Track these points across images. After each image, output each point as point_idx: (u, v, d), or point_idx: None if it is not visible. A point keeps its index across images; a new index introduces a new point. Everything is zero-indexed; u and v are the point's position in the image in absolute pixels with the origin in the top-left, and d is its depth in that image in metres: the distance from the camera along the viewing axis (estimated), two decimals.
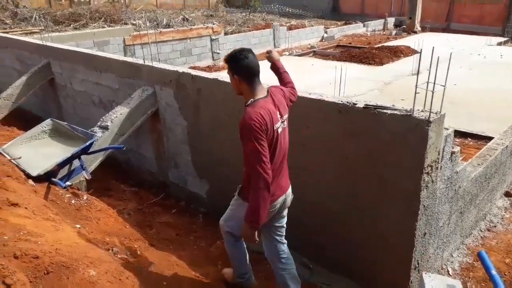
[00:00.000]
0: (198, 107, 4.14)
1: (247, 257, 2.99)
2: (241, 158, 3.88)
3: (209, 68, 11.68)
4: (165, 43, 10.91)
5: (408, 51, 12.29)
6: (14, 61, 7.56)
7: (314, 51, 13.65)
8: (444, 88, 2.69)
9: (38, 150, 4.01)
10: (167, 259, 3.19)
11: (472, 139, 5.93)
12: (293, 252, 3.60)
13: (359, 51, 12.19)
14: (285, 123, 2.57)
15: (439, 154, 2.86)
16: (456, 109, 6.80)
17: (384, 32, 18.65)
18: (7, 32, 9.45)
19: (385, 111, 2.82)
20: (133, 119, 4.58)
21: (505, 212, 4.56)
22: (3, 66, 8.08)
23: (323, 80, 9.16)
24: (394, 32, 18.07)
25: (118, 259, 2.72)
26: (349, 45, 14.79)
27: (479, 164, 3.87)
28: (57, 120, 4.39)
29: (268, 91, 2.49)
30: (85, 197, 3.69)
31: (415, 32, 17.53)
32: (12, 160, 3.74)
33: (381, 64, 11.11)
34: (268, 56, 3.01)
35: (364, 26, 19.00)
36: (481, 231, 4.19)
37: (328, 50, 13.88)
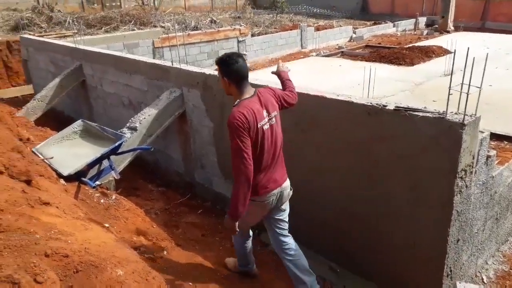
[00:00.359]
0: (224, 109, 4.15)
1: (251, 252, 3.19)
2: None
3: None
4: (193, 45, 11.02)
5: (440, 51, 11.92)
6: (48, 64, 7.84)
7: (342, 52, 13.46)
8: (480, 90, 2.57)
9: (69, 150, 4.12)
10: (193, 260, 3.21)
11: (508, 142, 5.67)
12: (319, 257, 3.57)
13: (389, 51, 11.92)
14: (274, 119, 2.68)
15: (473, 158, 2.74)
16: (491, 110, 6.53)
17: (415, 32, 18.17)
18: (42, 36, 9.81)
19: (416, 113, 2.72)
20: (161, 120, 4.64)
21: None
22: (38, 68, 8.39)
23: (351, 81, 9.02)
24: (425, 32, 17.58)
25: (145, 259, 2.75)
26: (379, 45, 14.50)
27: None
28: (87, 121, 4.50)
29: (255, 91, 2.65)
30: (113, 197, 3.76)
31: (448, 32, 17.00)
32: (45, 160, 3.86)
33: (412, 64, 10.83)
34: (277, 67, 3.23)
35: (394, 26, 18.58)
36: None
37: (357, 51, 13.65)
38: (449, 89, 2.59)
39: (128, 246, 2.70)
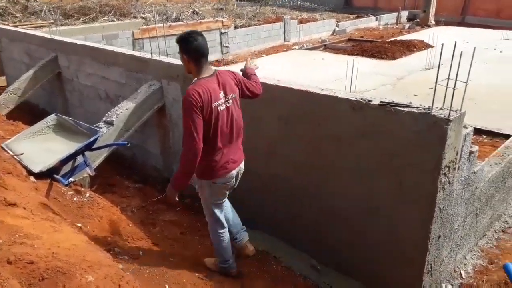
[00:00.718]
0: None
1: (230, 246, 3.15)
2: (249, 153, 3.78)
3: (218, 62, 11.56)
4: (174, 37, 10.61)
5: (421, 45, 12.01)
6: (23, 55, 7.52)
7: (325, 45, 13.42)
8: (466, 85, 2.52)
9: (42, 146, 3.94)
10: (170, 260, 3.10)
11: (487, 136, 5.72)
12: (301, 254, 3.51)
13: (371, 45, 11.95)
14: (231, 101, 2.74)
15: (457, 154, 2.70)
16: (470, 105, 6.58)
17: (397, 26, 18.28)
18: (17, 26, 9.42)
19: (402, 108, 2.66)
20: (139, 114, 4.48)
21: None
22: (12, 59, 8.06)
23: (334, 75, 8.98)
24: (407, 26, 17.70)
25: (119, 260, 2.63)
26: (361, 39, 14.52)
27: (496, 164, 3.70)
28: (61, 115, 4.31)
29: (214, 72, 2.70)
30: (87, 194, 3.61)
31: (429, 26, 17.15)
32: (15, 156, 3.68)
33: (394, 58, 10.87)
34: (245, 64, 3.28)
35: (376, 19, 18.65)
36: (496, 232, 4.02)
37: (340, 44, 13.64)
38: (436, 84, 2.53)
39: (102, 248, 2.58)
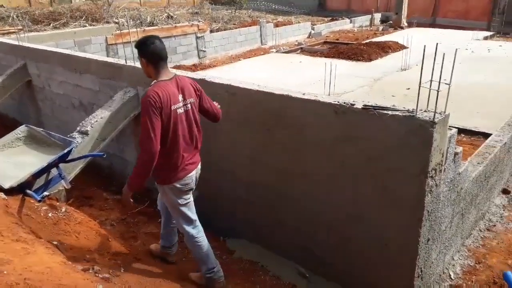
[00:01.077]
0: None
1: (211, 252, 3.06)
2: (231, 162, 3.67)
3: (194, 67, 11.40)
4: None
5: (396, 47, 12.19)
6: None
7: (301, 48, 13.47)
8: (449, 86, 2.51)
9: (12, 160, 3.72)
10: (153, 275, 2.96)
11: (465, 135, 5.81)
12: (288, 261, 3.43)
13: (347, 47, 12.05)
14: (190, 106, 2.78)
15: (443, 156, 2.68)
16: (448, 105, 6.68)
17: (371, 28, 18.56)
18: None
19: (385, 111, 2.62)
20: (115, 123, 4.32)
21: (503, 210, 4.43)
22: None
23: (312, 77, 8.99)
24: (381, 28, 18.00)
25: (99, 280, 2.48)
26: (337, 41, 14.65)
27: (479, 163, 3.73)
28: (32, 126, 4.09)
29: (174, 76, 2.75)
30: (63, 209, 3.43)
31: (402, 28, 17.48)
32: None
33: (370, 60, 10.99)
34: None
35: (351, 22, 18.88)
36: (481, 231, 4.06)
37: (316, 47, 13.71)
38: (419, 86, 2.49)
39: (80, 267, 2.43)
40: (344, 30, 17.82)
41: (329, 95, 7.42)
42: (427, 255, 2.89)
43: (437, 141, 2.51)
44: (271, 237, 3.56)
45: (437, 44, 2.58)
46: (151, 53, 2.67)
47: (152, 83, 2.70)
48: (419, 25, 17.76)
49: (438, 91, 2.45)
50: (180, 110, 2.70)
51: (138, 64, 4.30)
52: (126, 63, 4.45)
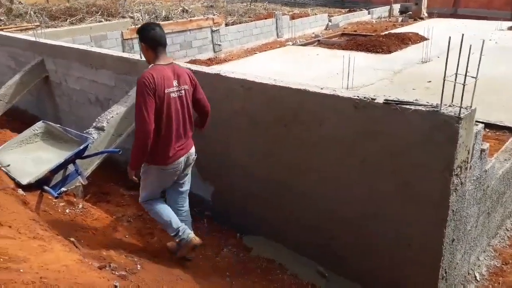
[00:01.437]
0: None
1: (172, 213, 3.11)
2: (247, 158, 3.61)
3: (210, 61, 11.35)
4: None
5: (416, 38, 11.88)
6: (8, 59, 7.28)
7: (318, 40, 13.26)
8: (476, 80, 2.38)
9: (30, 155, 3.74)
10: (170, 273, 2.93)
11: (490, 130, 5.60)
12: (308, 260, 3.36)
13: (366, 39, 11.80)
14: (184, 92, 2.87)
15: (468, 153, 2.56)
16: (470, 97, 6.47)
17: (390, 19, 18.15)
18: (1, 29, 9.15)
19: (408, 106, 2.51)
20: (130, 119, 4.29)
21: None
22: None
23: (330, 70, 8.84)
24: (400, 19, 17.58)
25: (115, 278, 2.45)
26: (355, 33, 14.37)
27: (505, 160, 3.57)
28: (49, 122, 4.11)
29: (171, 62, 2.89)
30: (80, 205, 3.43)
31: (422, 19, 17.05)
32: (3, 168, 3.49)
33: (389, 52, 10.73)
34: None
35: (369, 13, 18.51)
36: (507, 230, 3.90)
37: (333, 39, 13.48)
38: (444, 79, 2.38)
39: (95, 266, 2.41)
40: (362, 22, 17.49)
41: (347, 88, 7.29)
42: (451, 256, 2.78)
43: (463, 137, 2.40)
44: (289, 235, 3.49)
45: (462, 35, 2.45)
46: (151, 38, 2.82)
47: (149, 66, 2.83)
48: (440, 15, 17.28)
49: (464, 85, 2.32)
50: (174, 94, 2.80)
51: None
52: (141, 58, 4.41)
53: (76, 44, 7.30)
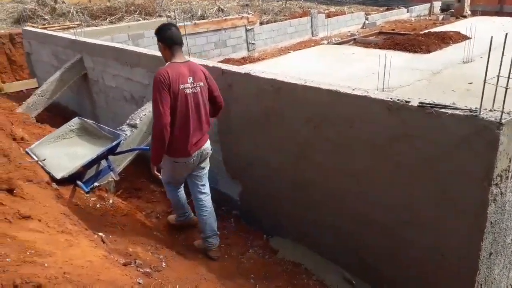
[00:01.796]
0: (229, 104, 3.83)
1: (185, 201, 3.55)
2: (276, 156, 3.56)
3: (243, 60, 11.36)
4: (199, 35, 10.67)
5: (457, 37, 11.39)
6: (51, 57, 7.59)
7: (354, 39, 12.99)
8: None
9: (65, 150, 3.87)
10: (195, 272, 2.94)
11: None
12: (335, 266, 3.27)
13: (404, 38, 11.43)
14: (199, 89, 3.00)
15: (510, 161, 2.39)
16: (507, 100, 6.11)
17: (430, 17, 17.51)
18: (45, 28, 9.57)
19: (444, 110, 2.38)
20: None
21: None
22: (41, 62, 8.15)
23: (365, 70, 8.62)
24: (441, 17, 16.92)
25: (139, 275, 2.48)
26: (392, 32, 13.97)
27: None
28: (84, 119, 4.24)
29: (187, 60, 3.04)
30: (111, 201, 3.51)
31: (465, 17, 16.33)
32: (39, 162, 3.62)
33: (428, 51, 10.34)
34: None
35: (407, 11, 17.94)
36: None
37: (370, 38, 13.16)
38: (484, 82, 2.23)
39: (120, 262, 2.44)
40: (400, 20, 16.97)
41: (383, 89, 7.07)
42: (488, 270, 2.61)
43: (504, 144, 2.24)
44: (316, 239, 3.42)
45: (506, 34, 2.29)
46: (168, 38, 2.97)
47: (166, 64, 2.98)
48: (484, 13, 16.47)
49: (506, 88, 2.17)
50: (188, 91, 2.92)
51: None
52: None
53: (115, 42, 7.51)
